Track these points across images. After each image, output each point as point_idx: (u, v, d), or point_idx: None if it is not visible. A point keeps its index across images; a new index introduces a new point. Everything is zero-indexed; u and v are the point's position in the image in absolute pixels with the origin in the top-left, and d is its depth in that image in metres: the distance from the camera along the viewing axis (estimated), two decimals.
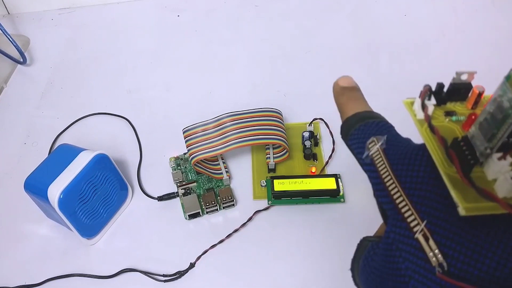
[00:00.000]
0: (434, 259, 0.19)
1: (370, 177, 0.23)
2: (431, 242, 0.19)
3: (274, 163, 0.45)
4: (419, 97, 0.22)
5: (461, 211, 0.18)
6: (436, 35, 0.59)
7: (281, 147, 0.45)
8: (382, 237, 0.22)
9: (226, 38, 0.63)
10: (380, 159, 0.22)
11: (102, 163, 0.40)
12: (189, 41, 0.63)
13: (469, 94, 0.23)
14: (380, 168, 0.22)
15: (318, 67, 0.57)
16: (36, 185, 0.39)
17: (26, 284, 0.40)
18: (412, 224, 0.20)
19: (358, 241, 0.40)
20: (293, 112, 0.51)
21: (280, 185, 0.42)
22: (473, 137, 0.20)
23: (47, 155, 0.43)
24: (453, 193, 0.19)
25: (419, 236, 0.20)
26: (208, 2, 0.69)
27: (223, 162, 0.46)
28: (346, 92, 0.27)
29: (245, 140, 0.43)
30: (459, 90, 0.23)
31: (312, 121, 0.48)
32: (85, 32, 0.67)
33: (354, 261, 0.26)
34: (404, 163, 0.22)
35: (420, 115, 0.22)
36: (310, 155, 0.46)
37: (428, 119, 0.21)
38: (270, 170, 0.46)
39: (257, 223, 0.43)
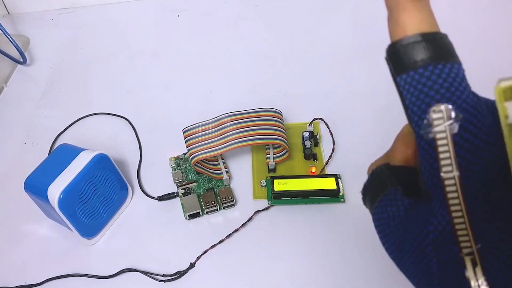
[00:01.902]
0: None
1: (420, 149, 0.17)
2: (479, 269, 0.16)
3: (274, 163, 0.45)
4: None
5: None
6: None
7: (281, 147, 0.45)
8: (420, 226, 0.18)
9: (226, 38, 0.63)
10: (446, 148, 0.16)
11: (102, 163, 0.40)
12: (189, 41, 0.63)
13: None
14: (441, 156, 0.16)
15: (318, 67, 0.57)
16: (36, 185, 0.39)
17: (26, 284, 0.40)
18: (462, 245, 0.17)
19: (357, 241, 0.40)
20: (293, 112, 0.51)
21: (280, 185, 0.42)
22: None
23: (47, 155, 0.43)
24: None
25: (467, 259, 0.16)
26: (208, 2, 0.69)
27: (223, 162, 0.46)
28: None
29: (245, 140, 0.43)
30: None
31: (312, 121, 0.48)
32: (85, 32, 0.67)
33: (367, 190, 0.22)
34: (474, 160, 0.16)
35: None
36: (310, 155, 0.46)
37: None
38: (270, 170, 0.46)
39: (257, 223, 0.43)
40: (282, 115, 0.47)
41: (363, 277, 0.38)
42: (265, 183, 0.45)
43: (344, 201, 0.43)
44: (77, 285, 0.40)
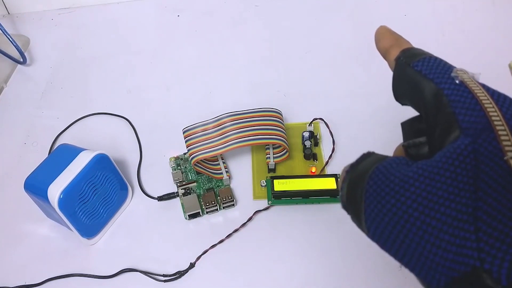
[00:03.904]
0: None
1: (450, 95, 0.22)
2: None
3: (274, 163, 0.45)
4: None
5: None
6: (436, 35, 0.59)
7: (281, 147, 0.45)
8: (449, 146, 0.20)
9: (226, 38, 0.63)
10: (475, 85, 0.21)
11: (102, 163, 0.40)
12: (189, 41, 0.63)
13: None
14: (475, 90, 0.21)
15: (318, 67, 0.57)
16: (36, 185, 0.39)
17: (26, 284, 0.40)
18: (506, 148, 0.19)
19: (357, 241, 0.40)
20: (293, 112, 0.51)
21: (280, 185, 0.42)
22: None
23: (47, 155, 0.43)
24: None
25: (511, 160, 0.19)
26: (208, 2, 0.69)
27: (223, 162, 0.46)
28: (396, 33, 0.28)
29: (245, 140, 0.43)
30: None
31: (312, 121, 0.48)
32: (85, 32, 0.67)
33: (352, 170, 0.23)
34: (506, 97, 0.21)
35: None
36: (310, 155, 0.46)
37: None
38: (270, 170, 0.46)
39: (257, 223, 0.43)
40: (282, 115, 0.47)
41: (363, 277, 0.38)
42: (265, 183, 0.45)
43: None
44: (77, 285, 0.40)
